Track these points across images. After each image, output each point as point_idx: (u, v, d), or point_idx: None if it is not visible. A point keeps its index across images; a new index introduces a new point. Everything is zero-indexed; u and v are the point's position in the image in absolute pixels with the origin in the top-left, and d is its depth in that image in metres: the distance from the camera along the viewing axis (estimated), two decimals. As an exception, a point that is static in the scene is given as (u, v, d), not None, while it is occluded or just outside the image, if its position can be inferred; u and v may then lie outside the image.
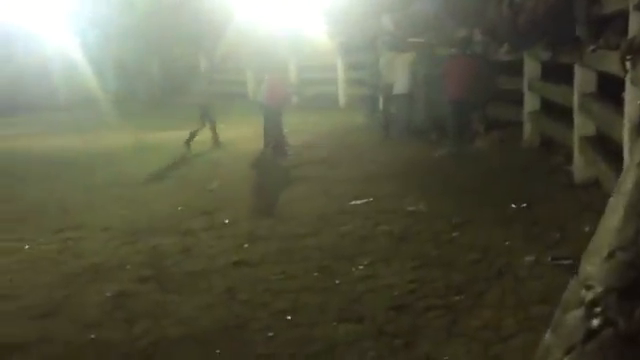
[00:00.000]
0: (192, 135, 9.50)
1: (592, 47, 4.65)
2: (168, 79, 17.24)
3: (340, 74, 13.73)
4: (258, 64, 10.34)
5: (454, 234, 4.94)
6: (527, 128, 7.72)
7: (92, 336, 3.62)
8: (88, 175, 8.21)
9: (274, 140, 9.00)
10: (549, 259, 4.17)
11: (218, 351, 3.38)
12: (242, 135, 10.25)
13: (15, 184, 7.97)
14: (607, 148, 5.04)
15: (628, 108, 3.49)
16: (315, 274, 4.36)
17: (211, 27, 14.35)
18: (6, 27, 16.46)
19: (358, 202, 6.03)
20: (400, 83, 9.38)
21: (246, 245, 5.05)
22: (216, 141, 9.76)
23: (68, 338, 3.62)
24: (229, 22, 13.56)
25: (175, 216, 6.05)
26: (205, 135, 9.69)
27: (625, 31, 3.63)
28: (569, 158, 6.08)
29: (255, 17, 13.48)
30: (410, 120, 9.46)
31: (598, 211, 4.94)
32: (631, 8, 3.30)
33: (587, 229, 4.63)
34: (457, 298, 3.79)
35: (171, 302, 4.06)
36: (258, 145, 9.04)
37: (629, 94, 3.44)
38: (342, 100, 13.76)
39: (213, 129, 9.80)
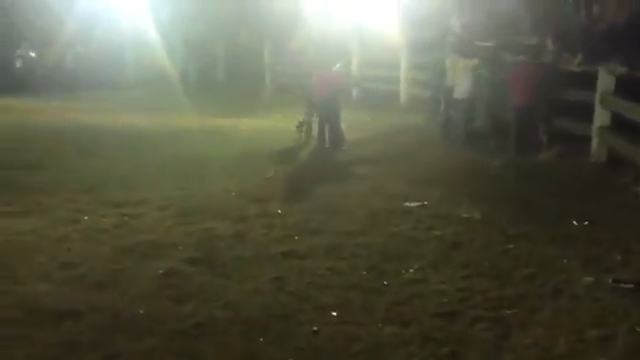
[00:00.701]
0: (301, 125, 9.48)
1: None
2: (233, 64, 17.46)
3: (403, 73, 13.56)
4: (317, 56, 10.28)
5: (509, 246, 4.81)
6: (595, 143, 7.42)
7: (141, 311, 3.70)
8: (152, 152, 8.43)
9: (329, 134, 9.00)
10: (610, 281, 4.01)
11: (262, 339, 3.40)
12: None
13: (82, 156, 8.25)
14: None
15: None
16: (363, 272, 4.32)
17: (280, 17, 14.44)
18: (86, 5, 17.05)
19: (411, 204, 5.94)
20: (461, 87, 9.21)
21: (296, 237, 5.06)
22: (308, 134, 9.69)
23: (118, 310, 3.72)
24: (299, 13, 13.60)
25: (229, 201, 6.12)
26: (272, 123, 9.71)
27: None
28: (638, 178, 5.82)
29: (326, 9, 13.47)
30: (469, 125, 9.28)
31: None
32: None
33: (651, 253, 4.45)
34: (508, 312, 3.68)
35: (220, 285, 4.11)
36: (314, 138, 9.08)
37: None
38: (403, 99, 13.60)
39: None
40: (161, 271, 4.31)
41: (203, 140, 9.32)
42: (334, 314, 3.69)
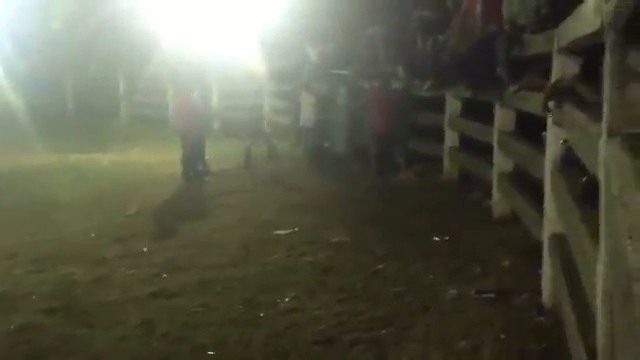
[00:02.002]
0: (247, 152, 9.42)
1: (513, 88, 4.85)
2: (82, 98, 16.56)
3: (266, 102, 13.70)
4: (176, 86, 10.13)
5: (379, 266, 4.94)
6: (447, 163, 7.94)
7: (-9, 375, 3.30)
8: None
9: (191, 164, 8.80)
10: (473, 293, 4.23)
11: (134, 390, 3.16)
12: (163, 160, 9.94)
13: None
14: (524, 184, 5.23)
15: (550, 147, 3.63)
16: (239, 306, 4.21)
17: (133, 46, 13.96)
18: None
19: (281, 232, 5.94)
20: (306, 116, 9.66)
21: (165, 275, 4.83)
22: (273, 152, 9.82)
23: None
24: (155, 45, 13.24)
25: (88, 243, 5.72)
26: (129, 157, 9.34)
27: (546, 74, 3.80)
28: (488, 193, 6.27)
29: (183, 40, 13.25)
30: (315, 145, 9.72)
31: (516, 245, 5.11)
32: (554, 51, 3.45)
33: (506, 263, 4.78)
34: (383, 332, 3.75)
35: (82, 336, 3.78)
36: (178, 171, 8.80)
37: (551, 134, 3.58)
38: (267, 128, 13.68)
39: (269, 142, 9.83)
40: (12, 326, 3.89)
41: (56, 179, 8.69)
42: (211, 353, 3.53)
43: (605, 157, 1.79)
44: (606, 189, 1.81)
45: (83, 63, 16.51)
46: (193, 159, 8.85)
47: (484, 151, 6.37)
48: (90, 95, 16.16)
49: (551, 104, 3.15)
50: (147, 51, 13.38)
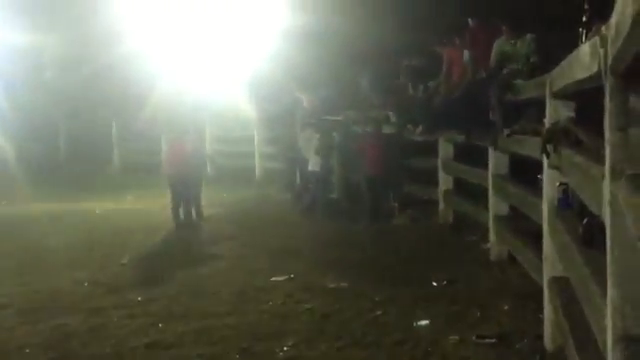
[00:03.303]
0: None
1: (507, 132, 4.91)
2: (75, 145, 16.53)
3: (257, 147, 13.78)
4: (171, 130, 10.03)
5: (377, 312, 4.87)
6: (441, 206, 7.96)
7: None
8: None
9: (185, 210, 8.72)
10: (473, 338, 4.17)
11: None
12: (156, 207, 9.87)
13: None
14: (521, 226, 5.24)
15: (547, 189, 3.65)
16: (236, 356, 4.11)
17: (128, 95, 14.05)
18: None
19: (278, 278, 5.87)
20: (314, 160, 9.60)
21: (160, 325, 4.73)
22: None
23: None
24: (149, 90, 13.33)
25: (82, 292, 5.62)
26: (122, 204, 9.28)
27: (539, 118, 3.85)
28: (484, 236, 6.27)
29: (177, 84, 13.37)
30: (325, 196, 9.58)
31: (515, 289, 5.08)
32: (547, 96, 3.51)
33: (506, 307, 4.73)
34: (385, 381, 3.68)
35: (76, 390, 3.68)
36: (170, 217, 8.75)
37: (547, 177, 3.61)
38: (258, 174, 13.73)
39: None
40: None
41: (49, 227, 8.58)
42: (208, 406, 3.44)
43: (611, 198, 1.80)
44: (614, 230, 1.81)
45: (75, 109, 16.53)
46: (187, 205, 8.76)
47: (479, 194, 6.40)
48: (83, 142, 16.13)
49: (549, 147, 3.18)
50: (140, 97, 13.47)
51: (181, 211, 8.69)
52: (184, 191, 8.70)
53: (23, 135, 16.07)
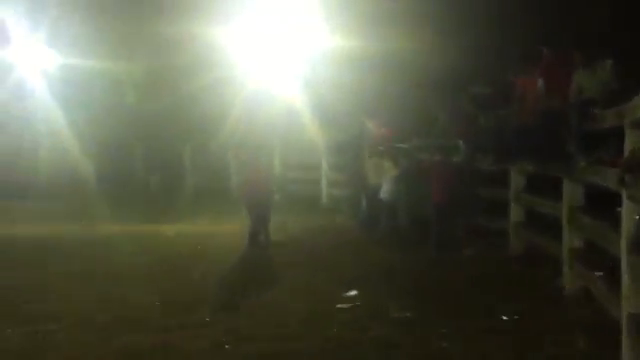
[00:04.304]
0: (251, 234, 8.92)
1: (584, 162, 4.76)
2: (151, 168, 17.15)
3: (324, 174, 13.90)
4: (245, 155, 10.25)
5: (443, 344, 4.77)
6: (512, 238, 7.74)
7: None
8: (70, 262, 7.94)
9: (255, 235, 8.89)
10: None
11: None
12: (228, 230, 10.12)
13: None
14: (597, 261, 5.03)
15: (626, 223, 3.51)
16: (300, 382, 4.12)
17: (205, 120, 14.54)
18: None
19: (344, 306, 5.86)
20: (385, 188, 9.55)
21: (227, 346, 4.80)
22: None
23: None
24: (225, 116, 13.74)
25: (152, 310, 5.79)
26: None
27: (619, 148, 3.72)
28: (556, 270, 6.05)
29: (249, 112, 13.72)
30: (393, 224, 9.52)
31: (590, 325, 4.87)
32: (627, 125, 3.39)
33: (581, 344, 4.54)
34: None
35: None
36: (242, 240, 8.92)
37: (626, 209, 3.47)
38: (325, 200, 13.83)
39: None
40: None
41: (125, 247, 8.94)
42: None
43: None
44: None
45: (153, 134, 17.18)
46: (256, 229, 8.93)
47: (551, 226, 6.19)
48: (157, 166, 16.73)
49: (628, 178, 3.07)
50: (217, 122, 13.88)
51: (255, 235, 8.85)
52: (257, 216, 8.88)
53: (102, 158, 16.86)
